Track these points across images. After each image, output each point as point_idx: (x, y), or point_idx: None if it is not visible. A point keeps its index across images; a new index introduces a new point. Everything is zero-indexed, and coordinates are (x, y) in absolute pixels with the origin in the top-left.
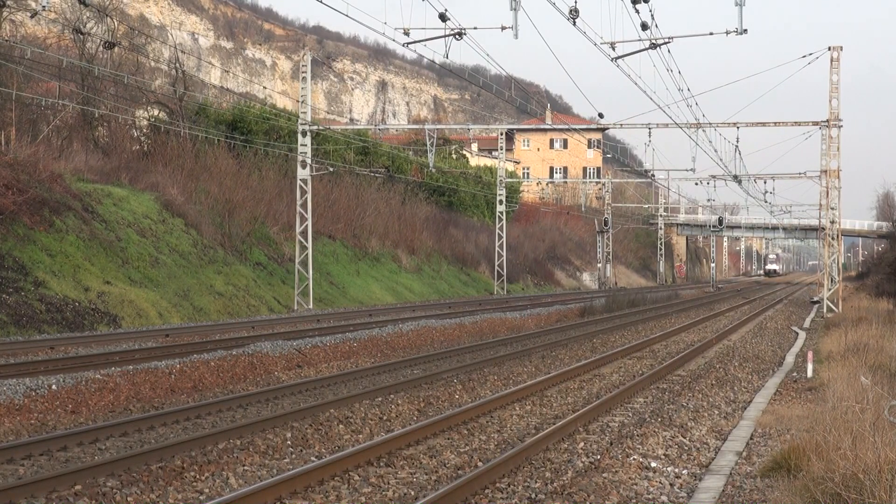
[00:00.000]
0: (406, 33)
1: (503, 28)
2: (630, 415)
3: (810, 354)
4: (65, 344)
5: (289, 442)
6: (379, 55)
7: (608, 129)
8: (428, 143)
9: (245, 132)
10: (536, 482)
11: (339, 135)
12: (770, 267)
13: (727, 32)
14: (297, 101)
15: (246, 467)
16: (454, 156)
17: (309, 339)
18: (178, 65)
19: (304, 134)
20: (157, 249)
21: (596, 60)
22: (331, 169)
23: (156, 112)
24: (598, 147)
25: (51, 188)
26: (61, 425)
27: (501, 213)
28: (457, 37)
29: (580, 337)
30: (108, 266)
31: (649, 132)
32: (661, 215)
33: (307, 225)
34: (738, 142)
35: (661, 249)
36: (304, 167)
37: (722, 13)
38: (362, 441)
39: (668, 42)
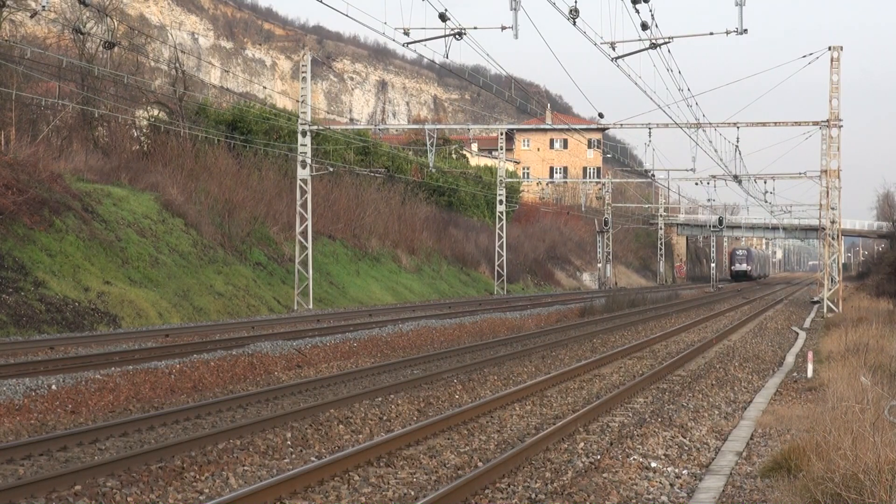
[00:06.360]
0: (406, 33)
1: (503, 28)
2: (630, 415)
3: (810, 354)
4: (65, 344)
5: (289, 442)
6: (379, 55)
7: (608, 129)
8: (428, 143)
9: (245, 132)
10: (536, 482)
11: (339, 135)
12: (739, 267)
13: (727, 32)
14: (297, 101)
15: (246, 467)
16: (454, 156)
17: (309, 339)
18: (177, 65)
19: (304, 134)
20: (157, 249)
21: (596, 60)
22: (331, 169)
23: (156, 112)
24: (598, 147)
25: (51, 188)
26: (61, 425)
27: (501, 213)
28: (457, 37)
29: (580, 337)
30: (108, 266)
31: (649, 132)
32: (661, 215)
33: (307, 225)
34: (738, 142)
35: (661, 249)
36: (304, 167)
37: (722, 13)
38: (362, 441)
39: (668, 42)
